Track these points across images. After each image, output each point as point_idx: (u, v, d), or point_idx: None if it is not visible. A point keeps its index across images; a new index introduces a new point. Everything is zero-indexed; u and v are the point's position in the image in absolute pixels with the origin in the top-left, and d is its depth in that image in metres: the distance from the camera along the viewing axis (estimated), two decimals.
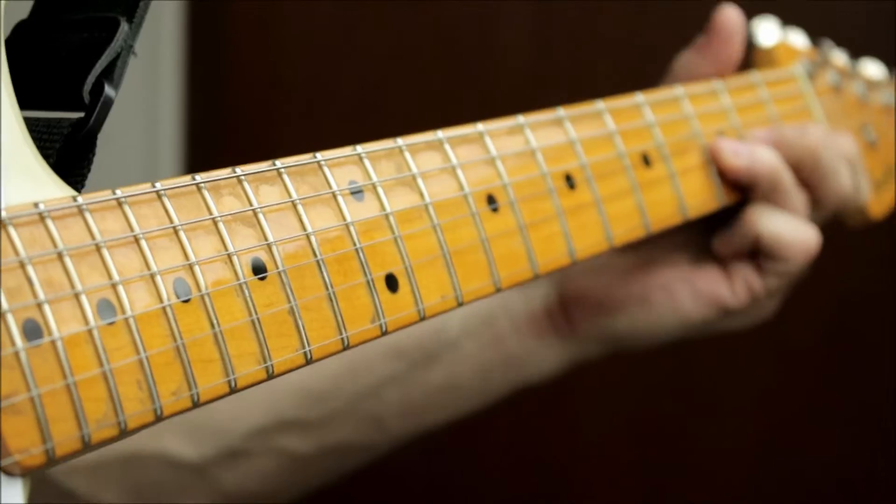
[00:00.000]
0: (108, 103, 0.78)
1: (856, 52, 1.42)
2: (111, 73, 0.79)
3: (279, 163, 0.81)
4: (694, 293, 1.21)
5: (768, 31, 1.35)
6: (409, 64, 2.44)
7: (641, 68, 2.33)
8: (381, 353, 1.22)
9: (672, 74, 1.26)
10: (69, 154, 0.78)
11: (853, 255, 2.11)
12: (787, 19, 1.39)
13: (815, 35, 1.39)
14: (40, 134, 0.78)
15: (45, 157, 0.76)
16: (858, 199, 1.27)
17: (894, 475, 2.26)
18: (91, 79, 0.78)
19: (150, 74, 2.41)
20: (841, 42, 1.42)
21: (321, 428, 1.21)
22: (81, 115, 0.78)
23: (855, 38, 1.52)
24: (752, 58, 1.35)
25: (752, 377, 2.32)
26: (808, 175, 1.20)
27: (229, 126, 2.47)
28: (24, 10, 0.83)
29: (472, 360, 1.23)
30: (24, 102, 0.79)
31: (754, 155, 1.17)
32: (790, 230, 1.18)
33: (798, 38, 1.37)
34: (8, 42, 0.82)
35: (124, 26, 0.79)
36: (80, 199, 0.70)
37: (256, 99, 2.49)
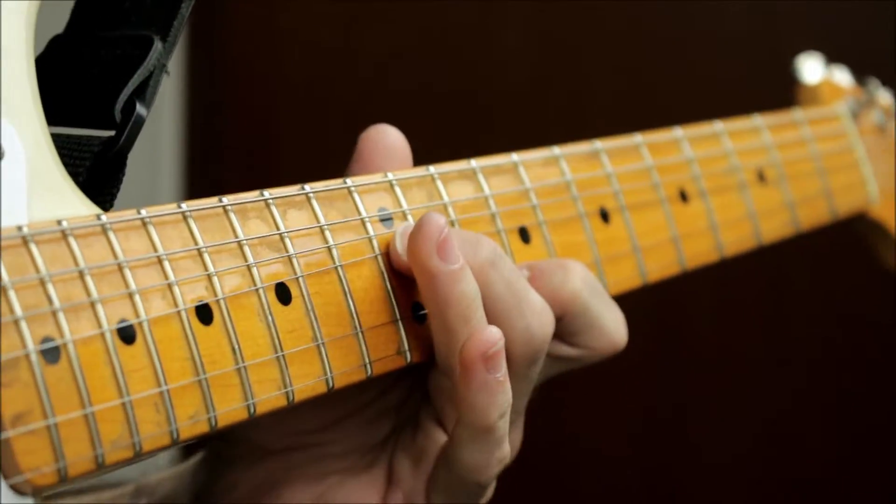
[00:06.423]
0: (140, 122, 0.78)
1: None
2: (143, 92, 0.78)
3: (308, 187, 0.80)
4: None
5: (812, 68, 1.33)
6: (409, 64, 2.45)
7: (642, 69, 2.35)
8: None
9: None
10: (99, 173, 0.78)
11: (853, 256, 2.11)
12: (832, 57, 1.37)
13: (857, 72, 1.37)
14: (70, 151, 0.77)
15: (75, 174, 0.76)
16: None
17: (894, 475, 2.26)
18: (123, 97, 0.77)
19: None
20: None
21: None
22: (112, 133, 0.78)
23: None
24: (796, 94, 1.33)
25: (751, 377, 2.32)
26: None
27: (229, 126, 2.47)
28: (59, 25, 0.83)
29: None
30: (55, 118, 0.79)
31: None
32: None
33: (843, 77, 1.35)
34: (42, 57, 0.82)
35: (158, 45, 0.78)
36: (104, 218, 0.69)
37: (256, 99, 2.50)
